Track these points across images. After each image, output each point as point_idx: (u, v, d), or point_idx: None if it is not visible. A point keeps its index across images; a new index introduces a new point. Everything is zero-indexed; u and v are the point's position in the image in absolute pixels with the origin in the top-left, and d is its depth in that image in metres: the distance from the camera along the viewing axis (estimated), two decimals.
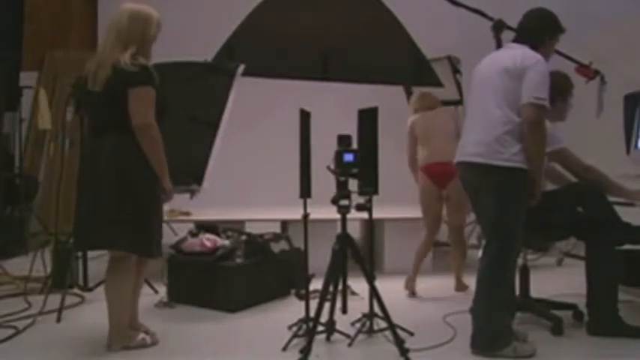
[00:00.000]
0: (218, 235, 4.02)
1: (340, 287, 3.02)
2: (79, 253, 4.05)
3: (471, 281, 4.48)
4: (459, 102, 5.74)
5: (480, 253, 4.71)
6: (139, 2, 2.94)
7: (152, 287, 3.97)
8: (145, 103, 2.78)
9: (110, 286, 2.95)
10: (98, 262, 4.58)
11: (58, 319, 3.43)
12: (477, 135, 2.93)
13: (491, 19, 4.65)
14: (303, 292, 3.31)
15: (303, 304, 3.17)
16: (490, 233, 2.97)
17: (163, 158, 2.86)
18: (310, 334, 2.82)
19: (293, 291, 4.01)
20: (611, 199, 3.19)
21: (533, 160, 2.83)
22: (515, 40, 3.08)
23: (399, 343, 2.82)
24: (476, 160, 2.91)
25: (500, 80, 2.89)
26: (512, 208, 2.87)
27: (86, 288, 4.03)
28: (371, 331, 3.16)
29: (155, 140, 2.82)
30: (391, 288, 3.87)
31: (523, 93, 2.82)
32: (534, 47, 2.97)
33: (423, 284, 4.37)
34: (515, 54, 2.92)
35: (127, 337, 2.98)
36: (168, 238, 4.10)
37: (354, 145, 2.99)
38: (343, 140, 2.96)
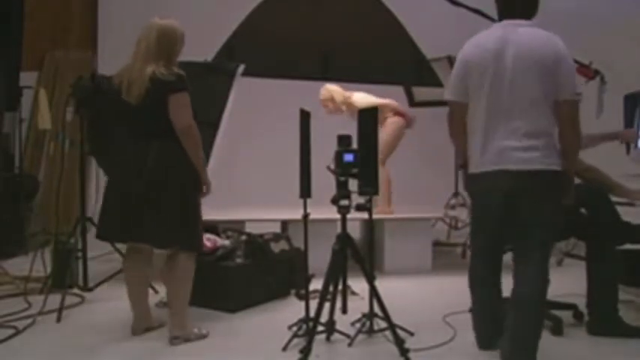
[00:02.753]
0: (218, 235, 4.02)
1: (340, 287, 3.03)
2: (79, 253, 4.05)
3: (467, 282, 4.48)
4: None
5: None
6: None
7: (152, 287, 3.96)
8: (184, 107, 2.99)
9: (176, 284, 3.10)
10: (98, 262, 4.59)
11: (58, 319, 3.43)
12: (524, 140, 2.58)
13: (491, 19, 4.65)
14: (303, 292, 3.31)
15: (303, 304, 3.17)
16: (536, 248, 2.65)
17: (202, 155, 3.09)
18: (310, 334, 2.82)
19: (293, 291, 4.00)
20: (613, 198, 3.19)
21: (574, 159, 2.67)
22: (515, 16, 2.68)
23: (399, 343, 2.82)
24: (531, 168, 2.57)
25: (539, 75, 2.55)
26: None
27: (86, 288, 4.02)
28: (371, 331, 3.16)
29: (196, 139, 3.03)
30: (391, 288, 3.87)
31: (562, 88, 2.54)
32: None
33: (423, 284, 4.37)
34: (546, 41, 2.57)
35: (187, 330, 3.11)
36: None
37: (354, 145, 2.99)
38: (343, 140, 2.97)
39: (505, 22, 2.70)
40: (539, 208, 2.60)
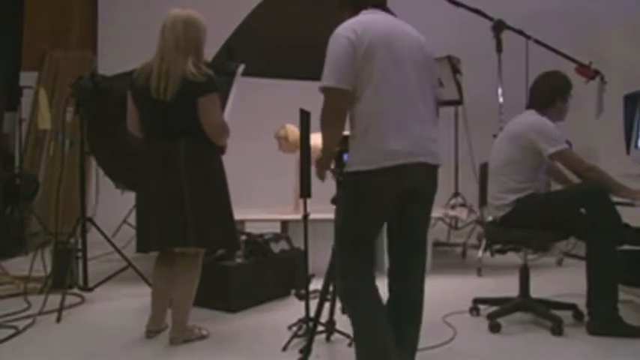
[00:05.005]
0: None
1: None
2: (79, 253, 4.05)
3: (467, 282, 4.49)
4: (458, 102, 5.75)
5: (480, 252, 4.74)
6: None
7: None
8: (214, 108, 2.99)
9: (184, 283, 3.07)
10: (98, 262, 4.59)
11: (58, 319, 3.43)
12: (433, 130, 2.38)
13: (491, 19, 4.66)
14: (303, 292, 3.31)
15: (303, 304, 3.17)
16: (422, 248, 2.51)
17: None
18: (310, 334, 2.82)
19: (293, 291, 4.01)
20: (613, 199, 3.19)
21: None
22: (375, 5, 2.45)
23: None
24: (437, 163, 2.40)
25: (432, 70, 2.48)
26: None
27: (86, 288, 4.02)
28: None
29: (227, 133, 3.09)
30: None
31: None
32: None
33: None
34: (416, 33, 2.49)
35: (188, 330, 3.11)
36: None
37: None
38: (343, 140, 2.96)
39: (376, 9, 2.45)
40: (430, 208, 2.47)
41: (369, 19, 2.36)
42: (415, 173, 2.27)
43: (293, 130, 4.90)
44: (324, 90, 2.27)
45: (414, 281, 2.46)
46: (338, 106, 2.27)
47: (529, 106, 3.46)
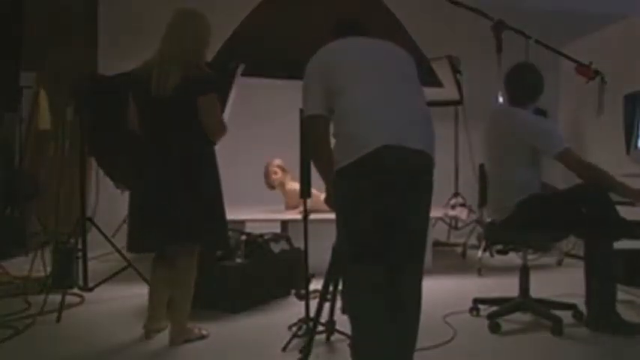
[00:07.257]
0: None
1: (340, 287, 3.02)
2: (79, 253, 4.05)
3: (467, 282, 4.49)
4: (458, 102, 5.75)
5: (480, 253, 4.74)
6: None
7: None
8: (214, 107, 3.00)
9: (182, 284, 3.06)
10: (98, 262, 4.59)
11: (58, 319, 3.43)
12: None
13: (491, 19, 4.66)
14: (303, 292, 3.31)
15: (303, 304, 3.17)
16: (419, 253, 2.44)
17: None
18: (310, 334, 2.82)
19: (293, 291, 4.01)
20: (614, 198, 3.19)
21: None
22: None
23: None
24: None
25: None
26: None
27: (86, 288, 4.02)
28: None
29: (225, 132, 3.08)
30: None
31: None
32: None
33: (423, 284, 4.37)
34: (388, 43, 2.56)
35: (188, 330, 3.11)
36: None
37: None
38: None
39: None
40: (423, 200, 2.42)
41: (338, 41, 2.55)
42: (397, 157, 2.22)
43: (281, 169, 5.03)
44: (305, 120, 2.46)
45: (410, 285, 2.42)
46: (318, 129, 2.40)
47: (512, 102, 3.41)
